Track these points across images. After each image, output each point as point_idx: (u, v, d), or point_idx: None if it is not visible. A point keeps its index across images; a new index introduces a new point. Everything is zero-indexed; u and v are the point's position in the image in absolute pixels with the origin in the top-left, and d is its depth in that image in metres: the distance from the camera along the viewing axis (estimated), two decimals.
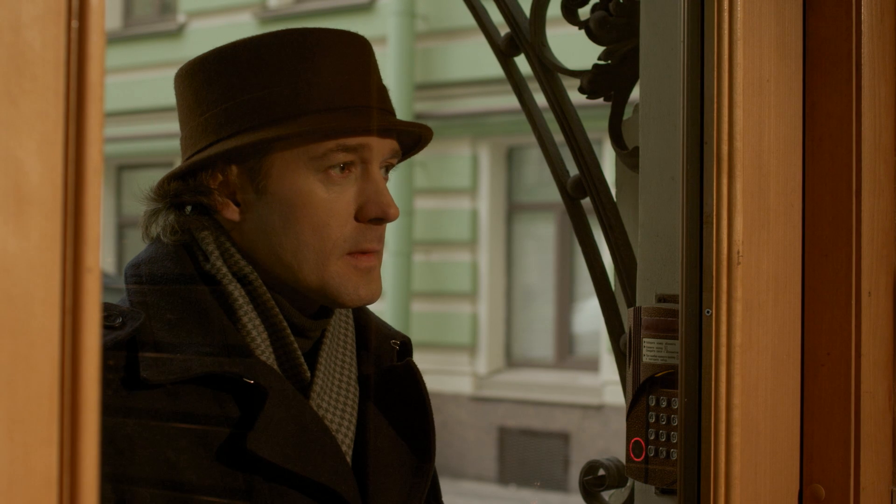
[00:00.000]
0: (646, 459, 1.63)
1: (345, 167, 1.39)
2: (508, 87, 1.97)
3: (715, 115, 1.41)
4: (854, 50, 1.49)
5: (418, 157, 11.61)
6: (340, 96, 1.39)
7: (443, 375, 11.98)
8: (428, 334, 12.03)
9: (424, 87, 11.64)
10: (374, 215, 1.40)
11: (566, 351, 11.42)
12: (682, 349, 1.43)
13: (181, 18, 13.80)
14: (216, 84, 1.40)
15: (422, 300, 12.03)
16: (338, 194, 1.39)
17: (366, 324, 1.52)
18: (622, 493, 1.88)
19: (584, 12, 1.88)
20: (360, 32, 1.47)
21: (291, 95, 1.37)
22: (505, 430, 11.18)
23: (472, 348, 11.88)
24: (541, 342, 11.63)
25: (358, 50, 1.44)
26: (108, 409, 1.27)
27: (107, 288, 1.32)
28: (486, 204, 11.58)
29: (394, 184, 11.84)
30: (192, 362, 1.32)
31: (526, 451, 11.07)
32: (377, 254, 1.43)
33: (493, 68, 2.08)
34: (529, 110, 1.95)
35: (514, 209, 11.77)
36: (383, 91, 1.46)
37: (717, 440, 1.41)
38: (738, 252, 1.41)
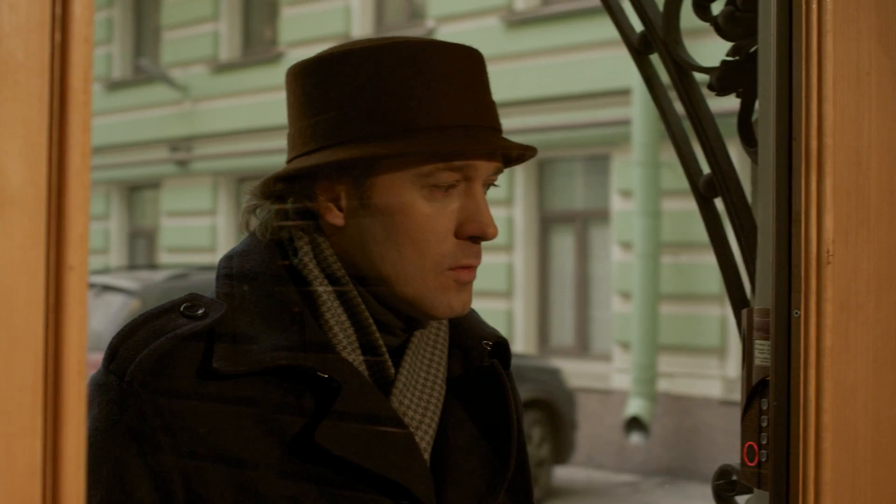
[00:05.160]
0: (759, 464, 1.60)
1: (449, 185, 1.41)
2: None
3: (804, 110, 1.37)
4: None
5: (664, 159, 11.47)
6: (452, 114, 1.40)
7: (692, 379, 11.80)
8: (677, 337, 11.88)
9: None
10: (473, 233, 1.41)
11: None
12: (773, 351, 1.40)
13: (430, 24, 14.09)
14: (328, 88, 1.42)
15: (669, 302, 11.89)
16: (439, 210, 1.41)
17: (459, 323, 1.53)
18: (756, 497, 1.84)
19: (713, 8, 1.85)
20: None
21: (403, 110, 1.39)
22: None
23: (721, 351, 11.66)
24: None
25: (471, 64, 1.45)
26: (181, 397, 1.33)
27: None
28: None
29: (639, 183, 11.75)
30: (265, 355, 1.36)
31: None
32: (475, 268, 1.45)
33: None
34: (663, 108, 1.93)
35: None
36: (492, 107, 1.47)
37: (807, 445, 1.37)
38: (829, 251, 1.37)
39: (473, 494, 1.44)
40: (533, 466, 10.51)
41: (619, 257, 12.35)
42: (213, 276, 1.42)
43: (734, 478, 1.85)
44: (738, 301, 1.84)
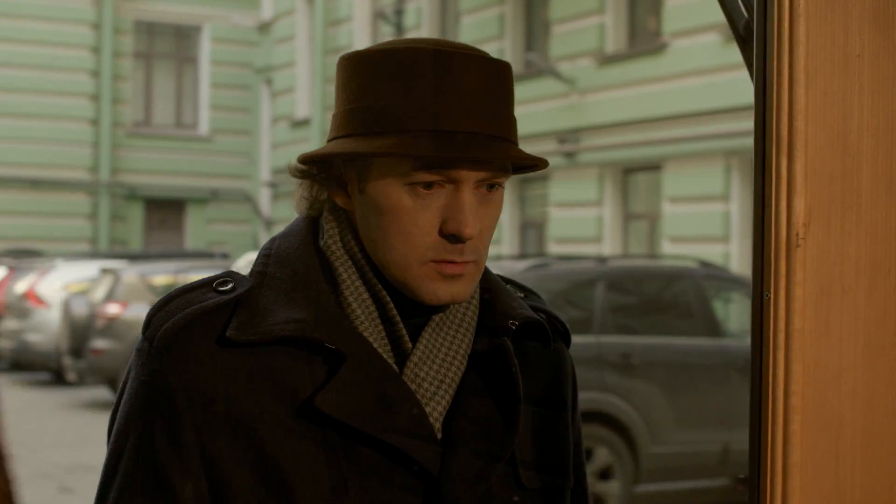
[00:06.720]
0: None
1: (431, 185, 1.50)
2: None
3: (775, 94, 1.38)
4: None
5: None
6: (438, 119, 1.48)
7: None
8: None
9: None
10: (450, 231, 1.50)
11: None
12: (751, 333, 1.41)
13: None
14: (353, 83, 1.54)
15: None
16: (422, 207, 1.50)
17: (491, 303, 1.62)
18: None
19: None
20: None
21: (391, 111, 1.49)
22: None
23: None
24: None
25: (484, 75, 1.51)
26: (199, 362, 1.49)
27: None
28: None
29: None
30: (277, 326, 1.48)
31: None
32: (467, 263, 1.52)
33: None
34: None
35: None
36: (499, 116, 1.52)
37: (775, 427, 1.37)
38: (798, 234, 1.37)
39: (474, 463, 1.52)
40: None
41: None
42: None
43: None
44: None
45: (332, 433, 1.49)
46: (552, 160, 18.48)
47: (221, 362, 1.50)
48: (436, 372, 1.55)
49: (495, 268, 10.15)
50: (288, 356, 1.51)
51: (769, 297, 1.38)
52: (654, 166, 17.01)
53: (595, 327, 9.27)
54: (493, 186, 1.54)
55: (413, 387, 1.53)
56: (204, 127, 28.16)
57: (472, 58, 1.51)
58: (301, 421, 1.49)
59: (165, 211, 27.48)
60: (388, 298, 1.55)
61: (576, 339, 9.08)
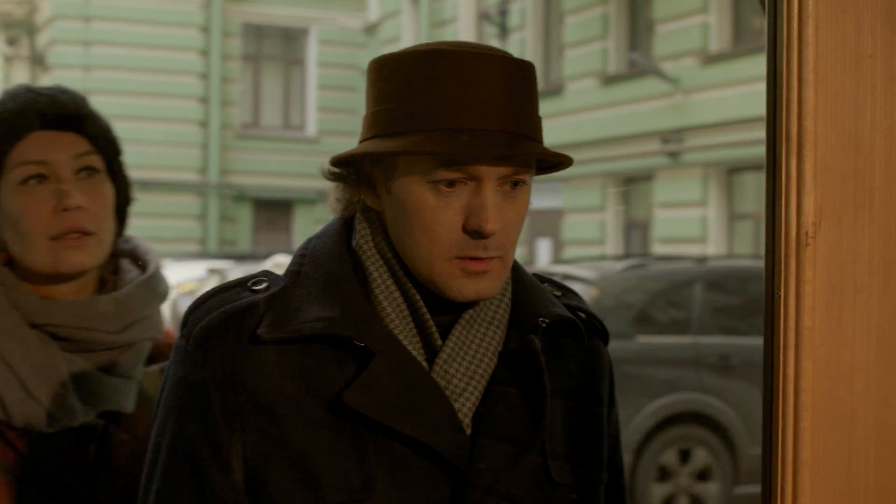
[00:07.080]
0: None
1: (454, 182, 1.53)
2: None
3: (784, 94, 1.39)
4: None
5: None
6: (460, 118, 1.51)
7: None
8: None
9: None
10: (472, 228, 1.52)
11: None
12: (764, 331, 1.43)
13: None
14: (378, 86, 1.58)
15: None
16: (446, 204, 1.53)
17: (521, 300, 1.65)
18: None
19: None
20: None
21: (413, 111, 1.53)
22: None
23: None
24: None
25: (506, 73, 1.54)
26: (232, 359, 1.54)
27: None
28: None
29: None
30: (306, 325, 1.53)
31: None
32: (492, 259, 1.54)
33: None
34: None
35: None
36: (522, 113, 1.54)
37: (786, 424, 1.39)
38: (807, 233, 1.38)
39: (503, 455, 1.56)
40: None
41: None
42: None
43: None
44: None
45: (361, 429, 1.53)
46: (656, 160, 18.36)
47: (253, 359, 1.54)
48: (465, 368, 1.58)
49: (594, 268, 10.17)
50: (318, 353, 1.55)
51: (779, 296, 1.40)
52: (758, 166, 16.79)
53: (693, 328, 9.21)
54: (517, 184, 1.56)
55: (443, 383, 1.57)
56: (311, 128, 28.47)
57: (492, 58, 1.54)
58: (331, 416, 1.53)
59: (273, 211, 27.84)
60: (418, 296, 1.58)
61: (674, 339, 9.10)
